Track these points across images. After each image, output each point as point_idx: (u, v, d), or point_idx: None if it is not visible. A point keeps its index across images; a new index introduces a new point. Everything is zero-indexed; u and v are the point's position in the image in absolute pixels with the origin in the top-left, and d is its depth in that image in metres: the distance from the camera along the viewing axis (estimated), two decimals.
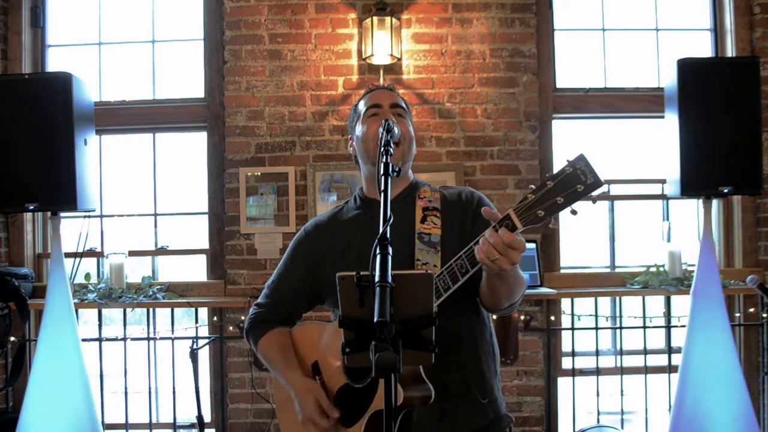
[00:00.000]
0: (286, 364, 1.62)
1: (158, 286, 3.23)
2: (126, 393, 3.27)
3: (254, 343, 1.72)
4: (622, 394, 3.28)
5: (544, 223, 1.28)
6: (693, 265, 2.79)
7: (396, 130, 1.48)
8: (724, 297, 2.61)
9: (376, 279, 1.07)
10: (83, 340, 2.64)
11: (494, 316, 1.88)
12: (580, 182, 1.22)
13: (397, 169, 1.38)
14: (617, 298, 3.35)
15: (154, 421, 3.31)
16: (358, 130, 1.68)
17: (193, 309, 3.24)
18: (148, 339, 3.27)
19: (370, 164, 1.65)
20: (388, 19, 3.14)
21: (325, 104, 3.30)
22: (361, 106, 1.70)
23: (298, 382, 1.58)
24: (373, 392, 1.51)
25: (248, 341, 1.75)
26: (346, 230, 1.68)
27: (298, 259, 1.73)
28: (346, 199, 1.89)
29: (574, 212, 1.28)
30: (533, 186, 1.28)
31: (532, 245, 3.18)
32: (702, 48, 3.51)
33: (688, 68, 2.57)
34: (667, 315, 3.31)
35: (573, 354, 3.29)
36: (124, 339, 3.26)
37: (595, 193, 1.23)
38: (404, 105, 1.71)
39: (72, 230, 2.97)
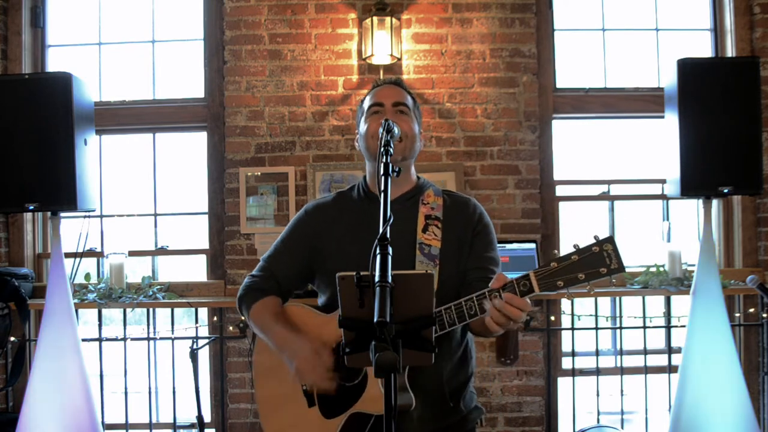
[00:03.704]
0: (281, 327, 1.61)
1: (158, 286, 3.23)
2: (126, 393, 3.27)
3: (247, 308, 1.72)
4: (622, 394, 3.28)
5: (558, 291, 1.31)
6: (693, 265, 2.79)
7: (396, 129, 1.48)
8: (724, 297, 2.61)
9: (376, 279, 1.07)
10: (83, 340, 2.64)
11: None
12: (604, 265, 1.25)
13: (397, 169, 1.39)
14: (617, 298, 3.35)
15: (154, 421, 3.31)
16: (362, 127, 1.70)
17: (193, 309, 3.24)
18: (148, 339, 3.27)
19: (372, 161, 1.68)
20: (388, 19, 3.13)
21: (325, 104, 3.30)
22: (366, 103, 1.71)
23: (293, 339, 1.57)
24: (357, 393, 1.52)
25: (240, 308, 1.76)
26: (348, 219, 1.69)
27: (297, 238, 1.74)
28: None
29: (591, 289, 1.32)
30: (557, 252, 1.30)
31: (532, 245, 3.18)
32: (702, 48, 3.51)
33: (688, 68, 2.57)
34: (667, 315, 3.31)
35: (573, 354, 3.29)
36: (124, 339, 3.25)
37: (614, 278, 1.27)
38: (409, 101, 1.70)
39: (72, 230, 2.97)
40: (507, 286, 1.31)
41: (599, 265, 1.25)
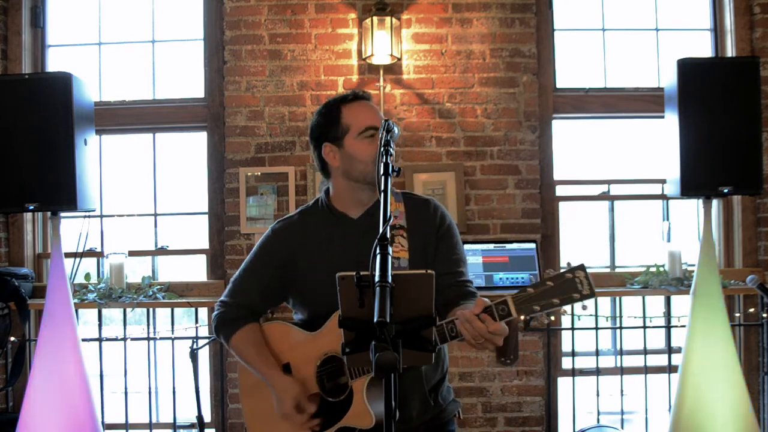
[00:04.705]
0: (264, 362, 1.66)
1: (158, 286, 3.23)
2: (126, 393, 3.27)
3: (226, 339, 1.74)
4: (622, 394, 3.28)
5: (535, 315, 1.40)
6: (693, 265, 2.79)
7: (396, 130, 1.49)
8: (724, 297, 2.61)
9: (376, 279, 1.07)
10: (83, 340, 2.64)
11: None
12: (576, 291, 1.34)
13: (397, 169, 1.39)
14: (617, 298, 3.35)
15: (154, 421, 3.31)
16: (352, 148, 1.63)
17: (193, 309, 3.24)
18: (148, 339, 3.27)
19: (361, 183, 1.64)
20: (388, 19, 3.13)
21: None
22: (351, 120, 1.64)
23: (277, 380, 1.63)
24: (344, 408, 1.56)
25: (218, 338, 1.78)
26: (317, 238, 1.69)
27: (267, 259, 1.74)
28: None
29: (564, 312, 1.43)
30: (533, 279, 1.38)
31: (532, 245, 3.17)
32: (702, 48, 3.51)
33: (688, 68, 2.57)
34: (667, 315, 3.31)
35: (573, 354, 3.29)
36: (124, 339, 3.25)
37: (587, 302, 1.39)
38: None
39: (72, 230, 2.97)
40: (486, 310, 1.35)
41: (573, 290, 1.34)
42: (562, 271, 1.36)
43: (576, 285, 1.34)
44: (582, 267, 1.35)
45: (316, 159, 1.72)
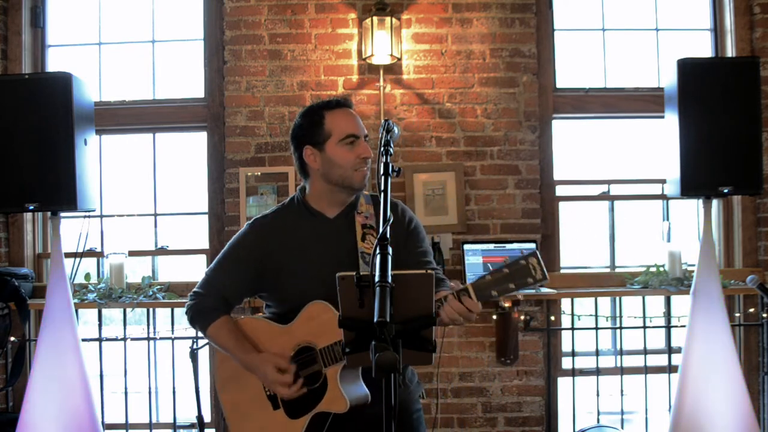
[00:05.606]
0: (242, 348, 1.72)
1: (158, 286, 3.23)
2: (126, 393, 3.27)
3: (202, 329, 1.80)
4: (622, 394, 3.28)
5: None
6: (693, 265, 2.79)
7: (396, 130, 1.52)
8: (724, 297, 2.61)
9: (376, 279, 1.07)
10: (83, 340, 2.64)
11: None
12: (530, 276, 1.45)
13: (397, 169, 1.43)
14: (617, 298, 3.35)
15: (154, 421, 3.31)
16: (333, 153, 1.71)
17: None
18: (148, 339, 3.27)
19: (339, 187, 1.73)
20: (388, 19, 3.13)
21: None
22: (333, 126, 1.72)
23: (255, 358, 1.69)
24: (319, 395, 1.63)
25: (194, 327, 1.84)
26: (294, 235, 1.76)
27: (242, 254, 1.79)
28: None
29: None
30: (491, 266, 1.50)
31: (532, 245, 3.18)
32: (702, 48, 3.51)
33: (688, 68, 2.57)
34: (667, 315, 3.31)
35: (573, 354, 3.29)
36: (124, 339, 3.26)
37: (540, 286, 1.54)
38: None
39: (72, 230, 2.97)
40: (446, 298, 1.46)
41: (527, 275, 1.45)
42: (516, 258, 1.47)
43: (530, 270, 1.44)
44: (535, 254, 1.46)
45: (295, 159, 1.82)
